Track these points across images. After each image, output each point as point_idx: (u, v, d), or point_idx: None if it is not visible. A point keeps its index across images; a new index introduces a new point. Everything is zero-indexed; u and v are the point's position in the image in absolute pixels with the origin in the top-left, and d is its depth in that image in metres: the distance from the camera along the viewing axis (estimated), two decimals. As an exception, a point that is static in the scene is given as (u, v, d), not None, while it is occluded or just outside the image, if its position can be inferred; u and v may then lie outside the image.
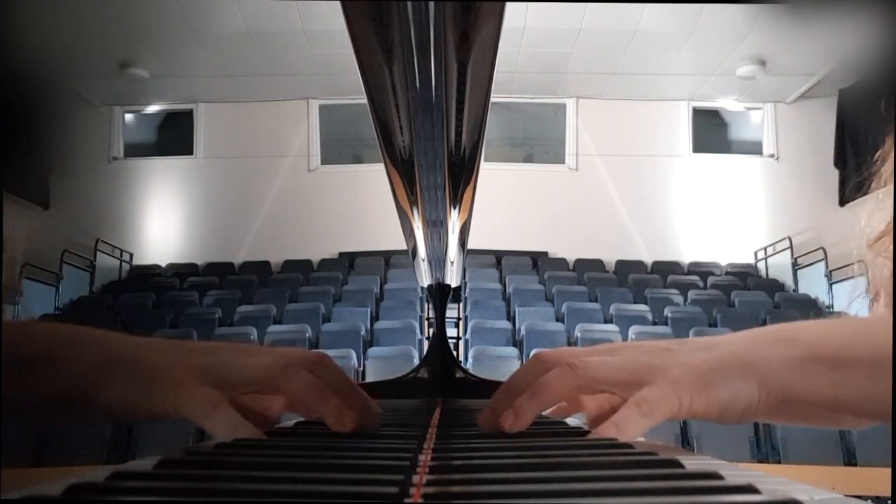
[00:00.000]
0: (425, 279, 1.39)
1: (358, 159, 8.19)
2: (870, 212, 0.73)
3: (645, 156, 8.25)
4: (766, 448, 4.80)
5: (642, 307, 6.78)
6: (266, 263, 7.85)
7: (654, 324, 6.50)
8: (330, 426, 0.57)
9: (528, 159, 8.50)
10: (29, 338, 0.56)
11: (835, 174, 7.87)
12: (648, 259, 8.04)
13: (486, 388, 1.25)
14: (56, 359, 0.55)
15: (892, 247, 0.70)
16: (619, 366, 0.57)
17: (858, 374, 0.55)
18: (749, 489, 0.37)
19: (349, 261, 7.75)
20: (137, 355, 0.56)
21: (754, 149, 8.36)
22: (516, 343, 6.17)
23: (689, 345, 0.58)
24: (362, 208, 7.50)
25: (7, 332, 0.57)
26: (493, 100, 0.72)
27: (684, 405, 0.55)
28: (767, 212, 8.16)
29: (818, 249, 7.55)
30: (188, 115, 8.32)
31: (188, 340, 0.60)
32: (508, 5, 0.57)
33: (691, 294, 7.13)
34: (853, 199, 7.44)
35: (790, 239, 7.86)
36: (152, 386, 0.54)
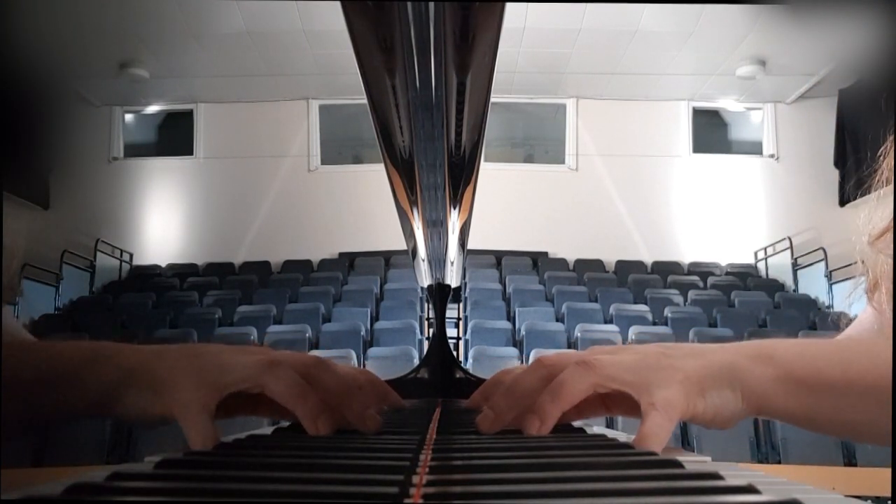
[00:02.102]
0: (425, 279, 1.39)
1: (358, 159, 8.19)
2: (871, 209, 0.74)
3: (645, 156, 8.24)
4: (766, 448, 4.80)
5: (642, 307, 6.78)
6: (266, 263, 7.84)
7: (654, 324, 6.50)
8: (305, 428, 0.58)
9: (528, 159, 8.50)
10: (56, 358, 0.59)
11: (835, 174, 7.86)
12: (648, 259, 8.04)
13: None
14: (79, 377, 0.58)
15: (892, 244, 0.70)
16: (628, 366, 0.57)
17: (829, 399, 0.57)
18: (749, 489, 0.37)
19: (349, 261, 7.75)
20: (147, 366, 0.58)
21: (754, 149, 8.36)
22: (516, 343, 6.17)
23: (680, 350, 0.59)
24: (362, 208, 7.50)
25: (36, 352, 0.62)
26: (493, 100, 0.72)
27: (689, 408, 0.56)
28: (767, 212, 8.16)
29: (818, 249, 7.55)
30: (188, 115, 8.32)
31: (195, 344, 0.61)
32: (508, 5, 0.57)
33: (691, 294, 7.13)
34: (853, 199, 7.45)
35: (790, 239, 7.86)
36: (158, 393, 0.56)
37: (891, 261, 0.70)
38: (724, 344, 0.60)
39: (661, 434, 0.54)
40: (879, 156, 0.74)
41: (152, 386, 0.56)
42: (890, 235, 0.71)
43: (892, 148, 0.72)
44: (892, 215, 0.72)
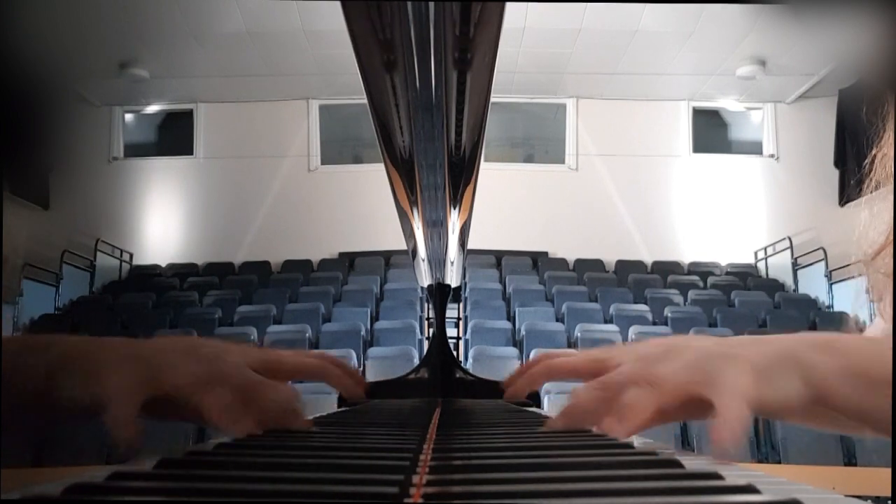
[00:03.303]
0: (425, 279, 1.39)
1: (358, 159, 8.19)
2: (865, 224, 0.73)
3: (645, 156, 8.24)
4: (766, 448, 4.80)
5: (642, 307, 6.78)
6: (266, 263, 7.85)
7: (654, 324, 6.50)
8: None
9: (528, 159, 8.50)
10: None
11: (835, 174, 7.87)
12: (648, 259, 8.04)
13: (486, 388, 1.25)
14: (19, 367, 0.56)
15: (890, 262, 0.70)
16: (688, 367, 0.56)
17: (886, 396, 0.56)
18: (749, 489, 0.37)
19: (349, 261, 7.75)
20: (83, 353, 0.56)
21: (754, 149, 8.36)
22: (516, 343, 6.17)
23: (738, 340, 0.58)
24: (362, 208, 7.50)
25: None
26: (493, 100, 0.72)
27: (760, 396, 0.54)
28: (767, 212, 8.16)
29: (818, 249, 7.55)
30: (188, 115, 8.32)
31: (140, 339, 0.60)
32: (508, 5, 0.57)
33: (691, 294, 7.13)
34: (853, 200, 7.45)
35: (790, 239, 7.86)
36: (89, 380, 0.55)
37: (889, 281, 0.70)
38: (789, 334, 0.58)
39: (741, 422, 0.52)
40: (871, 160, 0.74)
41: (85, 373, 0.55)
42: (886, 253, 0.71)
43: (890, 154, 0.72)
44: (886, 231, 0.71)
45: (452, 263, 1.29)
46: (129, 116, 8.39)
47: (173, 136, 8.35)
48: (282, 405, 0.62)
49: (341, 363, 0.75)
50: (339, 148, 8.32)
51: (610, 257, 7.99)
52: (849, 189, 7.60)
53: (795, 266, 7.83)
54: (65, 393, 0.55)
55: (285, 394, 0.64)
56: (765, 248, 8.06)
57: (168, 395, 0.56)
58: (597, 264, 7.89)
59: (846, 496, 0.38)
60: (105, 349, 0.56)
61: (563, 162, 8.35)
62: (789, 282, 7.80)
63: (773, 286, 7.57)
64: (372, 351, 5.97)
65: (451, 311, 6.29)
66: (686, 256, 8.09)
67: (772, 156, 8.29)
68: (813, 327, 6.53)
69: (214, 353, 0.61)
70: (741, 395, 0.53)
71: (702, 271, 7.81)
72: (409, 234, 1.18)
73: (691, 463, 0.46)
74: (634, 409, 0.56)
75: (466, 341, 6.08)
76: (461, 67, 0.64)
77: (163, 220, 8.21)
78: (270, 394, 0.62)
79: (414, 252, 1.28)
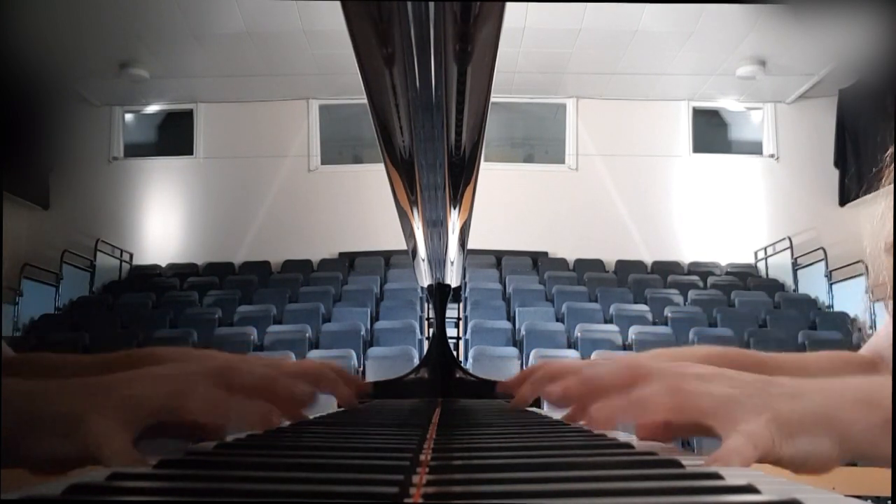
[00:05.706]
0: (425, 279, 1.39)
1: (358, 159, 8.19)
2: (882, 212, 0.72)
3: (645, 156, 8.24)
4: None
5: (642, 307, 6.78)
6: (266, 263, 7.85)
7: (654, 324, 6.50)
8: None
9: (528, 159, 8.50)
10: None
11: (835, 174, 7.87)
12: (648, 259, 8.03)
13: (486, 388, 1.25)
14: None
15: None
16: (717, 398, 0.55)
17: None
18: (749, 489, 0.37)
19: (349, 261, 7.75)
20: (55, 406, 0.54)
21: (754, 149, 8.36)
22: (516, 343, 6.17)
23: (780, 387, 0.57)
24: (362, 208, 7.50)
25: None
26: (493, 100, 0.72)
27: (774, 448, 0.54)
28: (767, 212, 8.16)
29: (818, 249, 7.55)
30: (188, 115, 8.32)
31: (98, 378, 0.57)
32: (508, 5, 0.57)
33: (691, 294, 7.13)
34: (853, 199, 7.45)
35: (790, 239, 7.86)
36: (67, 434, 0.52)
37: None
38: (826, 382, 0.58)
39: (745, 452, 0.52)
40: (886, 156, 0.73)
41: (63, 429, 0.52)
42: None
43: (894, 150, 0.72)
44: None
45: (452, 263, 1.29)
46: (129, 116, 8.39)
47: (173, 136, 8.35)
48: (263, 376, 0.61)
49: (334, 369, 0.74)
50: (339, 148, 8.32)
51: (610, 257, 7.99)
52: (849, 189, 7.60)
53: (795, 266, 7.83)
54: (35, 454, 0.52)
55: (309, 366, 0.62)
56: (765, 249, 8.06)
57: (158, 420, 0.55)
58: (597, 264, 7.89)
59: (846, 496, 0.38)
60: (70, 399, 0.54)
61: (563, 162, 8.35)
62: (789, 282, 7.80)
63: (773, 286, 7.56)
64: (372, 351, 5.97)
65: (451, 311, 6.29)
66: (686, 256, 8.09)
67: (772, 156, 8.29)
68: (813, 327, 6.53)
69: (173, 371, 0.59)
70: (751, 444, 0.53)
71: (702, 271, 7.81)
72: (409, 234, 1.18)
73: (691, 463, 0.46)
74: (648, 403, 0.56)
75: (466, 341, 6.08)
76: (461, 67, 0.64)
77: (163, 220, 8.21)
78: (247, 371, 0.61)
79: (414, 252, 1.28)
